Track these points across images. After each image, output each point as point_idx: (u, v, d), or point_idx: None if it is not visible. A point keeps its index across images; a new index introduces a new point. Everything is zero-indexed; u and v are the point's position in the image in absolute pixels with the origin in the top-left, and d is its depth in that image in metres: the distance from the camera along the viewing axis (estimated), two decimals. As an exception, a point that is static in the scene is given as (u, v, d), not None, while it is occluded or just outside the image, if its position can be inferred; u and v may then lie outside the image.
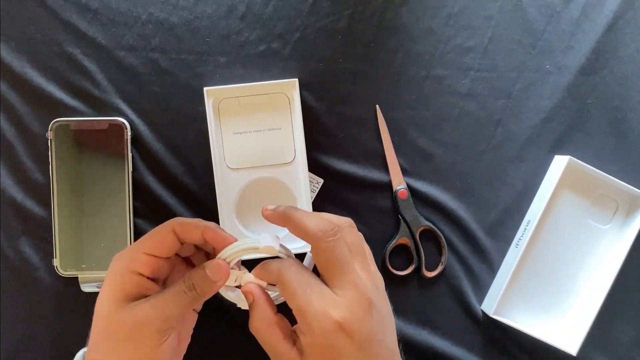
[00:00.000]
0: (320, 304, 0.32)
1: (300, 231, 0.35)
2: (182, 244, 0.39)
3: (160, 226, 0.38)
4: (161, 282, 0.40)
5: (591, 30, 0.54)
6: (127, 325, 0.34)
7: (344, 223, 0.36)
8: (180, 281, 0.37)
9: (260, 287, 0.37)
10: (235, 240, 0.39)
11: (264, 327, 0.35)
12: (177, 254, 0.41)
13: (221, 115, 0.52)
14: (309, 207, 0.51)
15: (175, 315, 0.36)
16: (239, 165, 0.52)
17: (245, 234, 0.52)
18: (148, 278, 0.37)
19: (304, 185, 0.51)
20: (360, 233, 0.38)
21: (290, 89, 0.51)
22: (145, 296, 0.37)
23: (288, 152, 0.52)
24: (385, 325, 0.35)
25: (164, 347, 0.35)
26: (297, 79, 0.51)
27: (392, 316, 0.37)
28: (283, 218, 0.37)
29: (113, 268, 0.37)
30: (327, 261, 0.34)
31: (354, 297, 0.33)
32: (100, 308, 0.37)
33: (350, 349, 0.32)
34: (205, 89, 0.50)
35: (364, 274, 0.35)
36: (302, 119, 0.51)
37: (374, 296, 0.34)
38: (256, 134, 0.52)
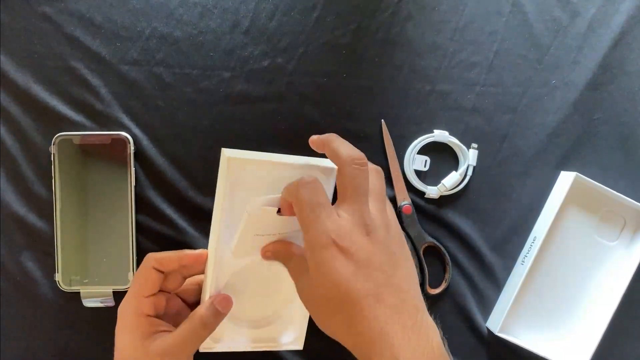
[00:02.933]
0: (322, 222, 0.34)
1: (333, 155, 0.37)
2: (164, 275, 0.43)
3: (140, 269, 0.43)
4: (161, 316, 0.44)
5: (598, 45, 0.54)
6: (155, 355, 0.39)
7: (376, 167, 0.39)
8: (193, 319, 0.41)
9: None
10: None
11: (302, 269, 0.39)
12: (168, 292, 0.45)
13: (237, 189, 0.40)
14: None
15: (195, 348, 0.41)
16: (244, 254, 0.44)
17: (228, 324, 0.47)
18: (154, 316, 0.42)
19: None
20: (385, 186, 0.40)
21: (327, 176, 0.43)
22: (159, 331, 0.41)
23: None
24: (396, 264, 0.35)
25: None
26: (335, 168, 0.39)
27: (413, 267, 0.37)
28: (323, 143, 0.39)
29: (125, 318, 0.42)
30: (344, 186, 0.35)
31: (354, 221, 0.34)
32: (123, 345, 0.41)
33: (348, 266, 0.33)
34: (227, 157, 0.39)
35: (376, 211, 0.36)
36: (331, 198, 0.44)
37: (377, 227, 0.35)
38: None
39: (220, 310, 0.41)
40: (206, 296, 0.43)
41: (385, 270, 0.34)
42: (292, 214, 0.37)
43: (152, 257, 0.42)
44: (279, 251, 0.42)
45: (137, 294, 0.41)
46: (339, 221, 0.34)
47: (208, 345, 0.46)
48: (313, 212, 0.34)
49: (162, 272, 0.42)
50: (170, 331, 0.41)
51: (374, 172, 0.38)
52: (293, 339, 0.50)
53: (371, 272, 0.33)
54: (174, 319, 0.43)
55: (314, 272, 0.34)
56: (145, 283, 0.42)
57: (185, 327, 0.41)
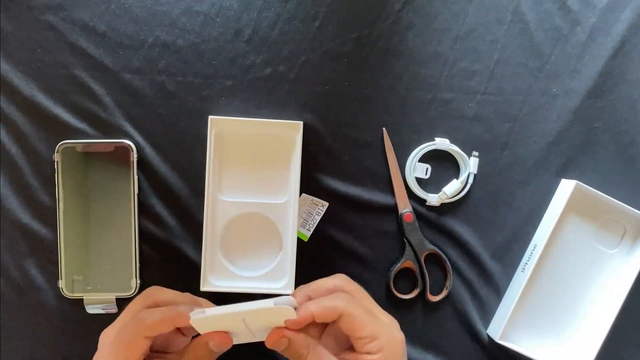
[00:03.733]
0: (385, 328, 0.39)
1: (328, 310, 0.38)
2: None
3: (130, 334, 0.38)
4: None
5: (598, 53, 0.54)
6: None
7: (341, 282, 0.42)
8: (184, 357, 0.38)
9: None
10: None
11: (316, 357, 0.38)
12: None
13: (222, 145, 0.51)
14: (293, 250, 0.50)
15: None
16: (231, 198, 0.51)
17: (224, 264, 0.51)
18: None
19: (292, 227, 0.51)
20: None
21: (294, 131, 0.51)
22: None
23: (282, 193, 0.52)
24: None
25: None
26: (301, 122, 0.51)
27: None
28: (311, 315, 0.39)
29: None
30: (360, 312, 0.38)
31: (396, 323, 0.41)
32: None
33: (405, 357, 0.39)
34: (210, 117, 0.50)
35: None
36: (300, 163, 0.50)
37: None
38: (254, 169, 0.52)
39: (216, 350, 0.39)
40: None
41: None
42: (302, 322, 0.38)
43: (143, 324, 0.38)
44: (300, 340, 0.38)
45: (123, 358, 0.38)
46: (392, 324, 0.40)
47: (208, 286, 0.50)
48: (374, 322, 0.38)
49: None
50: None
51: (348, 286, 0.42)
52: (284, 284, 0.51)
53: None
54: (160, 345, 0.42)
55: None
56: (130, 354, 0.37)
57: None
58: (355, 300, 0.39)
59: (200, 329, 0.38)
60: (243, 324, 0.38)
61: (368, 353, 0.37)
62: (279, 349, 0.38)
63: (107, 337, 0.40)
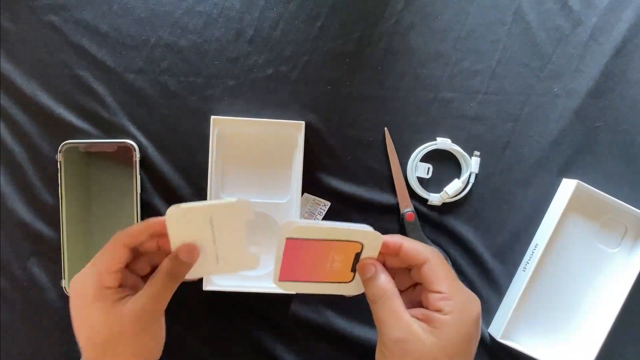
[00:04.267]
0: (465, 295, 0.36)
1: (412, 254, 0.37)
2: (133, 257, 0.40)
3: (109, 243, 0.39)
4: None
5: (600, 53, 0.54)
6: (129, 319, 0.37)
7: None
8: (159, 273, 0.38)
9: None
10: None
11: (393, 303, 0.36)
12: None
13: (224, 145, 0.52)
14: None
15: (166, 302, 0.39)
16: (233, 197, 0.49)
17: None
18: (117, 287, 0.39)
19: None
20: None
21: (296, 131, 0.51)
22: (125, 296, 0.38)
23: (284, 192, 0.52)
24: None
25: (163, 331, 0.40)
26: (303, 122, 0.51)
27: None
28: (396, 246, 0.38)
29: (85, 293, 0.38)
30: (439, 272, 0.36)
31: (478, 300, 0.37)
32: (91, 320, 0.38)
33: (475, 338, 0.35)
34: (212, 117, 0.51)
35: None
36: (302, 163, 0.51)
37: None
38: (256, 168, 0.53)
39: (185, 260, 0.38)
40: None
41: None
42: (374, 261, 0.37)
43: (122, 233, 0.39)
44: (385, 282, 0.37)
45: (101, 269, 0.38)
46: (473, 297, 0.36)
47: (211, 285, 0.51)
48: (455, 282, 0.36)
49: (131, 249, 0.39)
50: (134, 293, 0.38)
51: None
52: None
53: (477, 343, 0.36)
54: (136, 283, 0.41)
55: (452, 334, 0.34)
56: (111, 259, 0.38)
57: (153, 283, 0.38)
58: (444, 259, 0.37)
59: (172, 226, 0.38)
60: (211, 228, 0.38)
61: (439, 310, 0.34)
62: (364, 273, 0.37)
63: (74, 281, 0.39)
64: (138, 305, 0.37)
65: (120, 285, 0.39)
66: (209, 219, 0.38)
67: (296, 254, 0.37)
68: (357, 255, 0.37)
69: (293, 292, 0.38)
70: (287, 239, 0.36)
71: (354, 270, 0.38)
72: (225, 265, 0.41)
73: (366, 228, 0.36)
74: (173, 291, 0.39)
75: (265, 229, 0.52)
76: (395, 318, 0.35)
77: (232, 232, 0.39)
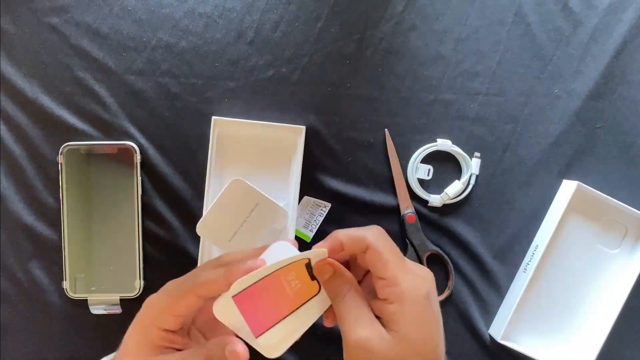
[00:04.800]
0: (410, 276, 0.34)
1: (359, 243, 0.35)
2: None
3: (183, 290, 0.35)
4: (187, 328, 0.39)
5: (600, 55, 0.54)
6: None
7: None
8: (199, 353, 0.35)
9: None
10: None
11: (354, 299, 0.34)
12: None
13: (224, 147, 0.52)
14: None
15: None
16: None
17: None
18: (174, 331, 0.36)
19: (290, 230, 0.51)
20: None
21: (296, 135, 0.52)
22: (170, 347, 0.36)
23: (282, 196, 0.52)
24: None
25: None
26: (304, 127, 0.51)
27: None
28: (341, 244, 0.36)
29: (142, 321, 0.36)
30: (388, 249, 0.35)
31: (428, 274, 0.35)
32: (128, 348, 0.36)
33: (432, 318, 0.34)
34: (213, 118, 0.51)
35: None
36: (301, 167, 0.51)
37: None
38: (255, 171, 0.53)
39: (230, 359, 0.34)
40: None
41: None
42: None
43: (196, 281, 0.34)
44: (345, 274, 0.35)
45: (164, 309, 0.35)
46: (422, 275, 0.35)
47: None
48: (398, 266, 0.34)
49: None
50: (180, 349, 0.36)
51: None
52: None
53: (441, 319, 0.35)
54: (204, 326, 0.39)
55: (407, 323, 0.33)
56: (177, 305, 0.35)
57: (189, 355, 0.35)
58: (387, 237, 0.36)
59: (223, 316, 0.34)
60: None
61: (386, 299, 0.33)
62: (322, 276, 0.35)
63: (149, 298, 0.36)
64: None
65: (184, 327, 0.37)
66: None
67: (252, 302, 0.34)
68: (309, 265, 0.35)
69: (281, 350, 0.36)
70: (233, 297, 0.34)
71: (314, 278, 0.36)
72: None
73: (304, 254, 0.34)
74: None
75: (261, 232, 0.52)
76: (358, 314, 0.34)
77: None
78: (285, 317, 0.35)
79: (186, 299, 0.35)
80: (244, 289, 0.34)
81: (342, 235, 0.35)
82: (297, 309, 0.36)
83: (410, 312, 0.33)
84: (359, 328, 0.33)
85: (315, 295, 0.36)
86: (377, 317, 0.34)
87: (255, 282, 0.34)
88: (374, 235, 0.35)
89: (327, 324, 0.37)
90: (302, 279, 0.36)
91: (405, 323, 0.33)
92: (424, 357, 0.33)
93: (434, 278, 0.36)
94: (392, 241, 0.36)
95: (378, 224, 0.53)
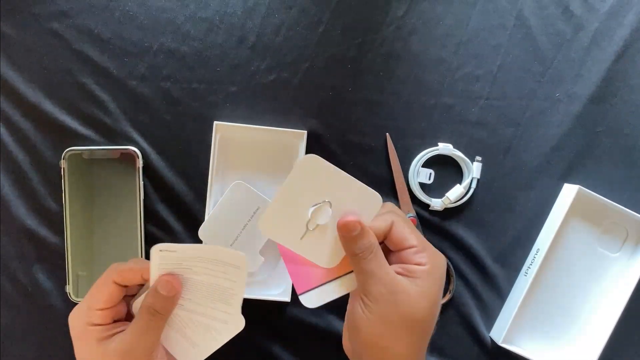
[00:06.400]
0: (430, 246, 0.38)
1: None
2: (126, 287, 0.40)
3: (100, 279, 0.39)
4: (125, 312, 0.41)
5: (601, 58, 0.54)
6: (114, 358, 0.37)
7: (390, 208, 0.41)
8: (141, 310, 0.38)
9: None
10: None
11: (389, 270, 0.36)
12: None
13: (226, 151, 0.52)
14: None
15: (155, 340, 0.38)
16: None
17: None
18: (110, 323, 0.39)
19: None
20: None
21: (297, 139, 0.52)
22: (115, 333, 0.38)
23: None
24: None
25: None
26: (305, 132, 0.52)
27: None
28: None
29: (75, 328, 0.38)
30: (408, 224, 0.38)
31: (438, 251, 0.38)
32: (80, 355, 0.38)
33: (442, 284, 0.37)
34: (215, 122, 0.51)
35: None
36: None
37: None
38: (257, 175, 0.53)
39: (166, 294, 0.38)
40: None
41: None
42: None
43: (114, 270, 0.39)
44: (371, 236, 0.37)
45: (90, 306, 0.38)
46: (436, 251, 0.38)
47: None
48: (421, 234, 0.38)
49: (124, 286, 0.39)
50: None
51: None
52: (281, 291, 0.52)
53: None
54: None
55: (427, 283, 0.36)
56: (100, 297, 0.38)
57: (136, 321, 0.38)
58: (403, 216, 0.39)
59: (156, 267, 0.38)
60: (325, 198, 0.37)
61: (418, 264, 0.36)
62: (349, 232, 0.36)
63: (70, 316, 0.39)
64: (123, 345, 0.37)
65: (115, 321, 0.39)
66: (197, 259, 0.38)
67: (297, 258, 0.37)
68: None
69: (319, 304, 0.38)
70: (280, 246, 0.36)
71: None
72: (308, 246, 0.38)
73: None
74: (160, 329, 0.38)
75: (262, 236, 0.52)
76: (384, 272, 0.36)
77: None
78: (325, 283, 0.38)
79: (105, 289, 0.38)
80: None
81: (373, 223, 0.37)
82: (337, 278, 0.38)
83: (435, 273, 0.36)
84: (385, 283, 0.35)
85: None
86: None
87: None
88: (392, 213, 0.38)
89: None
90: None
91: (430, 281, 0.36)
92: (421, 323, 0.36)
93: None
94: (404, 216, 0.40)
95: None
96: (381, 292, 0.35)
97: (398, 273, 0.36)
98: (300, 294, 0.38)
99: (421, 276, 0.35)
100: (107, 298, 0.38)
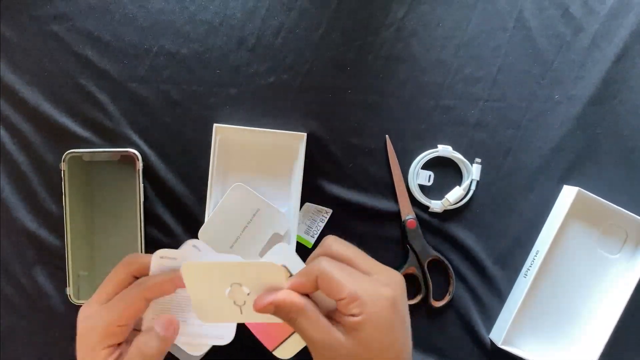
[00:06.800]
0: (370, 286, 0.34)
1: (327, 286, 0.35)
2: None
3: (128, 293, 0.38)
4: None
5: (601, 60, 0.54)
6: None
7: (327, 245, 0.38)
8: (133, 348, 0.37)
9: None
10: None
11: (321, 327, 0.35)
12: None
13: (226, 153, 0.52)
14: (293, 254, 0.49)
15: None
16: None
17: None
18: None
19: (292, 236, 0.52)
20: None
21: (297, 141, 0.52)
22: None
23: (284, 202, 0.53)
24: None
25: None
26: (305, 134, 0.52)
27: None
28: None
29: (85, 338, 0.37)
30: (338, 272, 0.35)
31: (395, 278, 0.35)
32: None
33: (397, 322, 0.34)
34: (215, 125, 0.51)
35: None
36: (302, 174, 0.51)
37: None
38: (257, 177, 0.53)
39: (162, 334, 0.37)
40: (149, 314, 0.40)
41: (408, 319, 0.36)
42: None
43: (143, 285, 0.37)
44: (287, 305, 0.35)
45: (113, 322, 0.37)
46: (384, 281, 0.35)
47: None
48: (354, 283, 0.34)
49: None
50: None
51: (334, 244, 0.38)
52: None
53: (407, 322, 0.35)
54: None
55: (370, 333, 0.33)
56: (127, 313, 0.37)
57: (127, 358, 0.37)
58: (334, 262, 0.35)
59: (189, 280, 0.37)
60: (230, 282, 0.37)
61: (352, 315, 0.33)
62: (265, 312, 0.36)
63: (84, 314, 0.38)
64: None
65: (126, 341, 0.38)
66: (234, 275, 0.37)
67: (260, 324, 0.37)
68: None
69: (294, 353, 0.38)
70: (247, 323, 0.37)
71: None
72: (251, 316, 0.38)
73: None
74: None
75: (264, 237, 0.52)
76: (318, 331, 0.34)
77: (261, 289, 0.38)
78: (292, 334, 0.38)
79: (135, 305, 0.37)
80: None
81: (293, 281, 0.36)
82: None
83: (373, 321, 0.33)
84: (320, 338, 0.34)
85: None
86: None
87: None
88: (321, 265, 0.35)
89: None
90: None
91: (368, 332, 0.33)
92: None
93: (402, 280, 0.36)
94: (347, 248, 0.37)
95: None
96: (318, 348, 0.34)
97: (337, 323, 0.34)
98: (273, 350, 0.38)
99: (356, 328, 0.33)
100: (134, 313, 0.37)
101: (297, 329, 0.35)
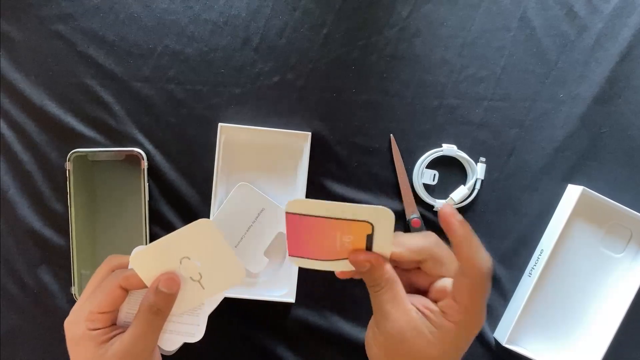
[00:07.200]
0: (475, 306, 0.33)
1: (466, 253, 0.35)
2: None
3: (105, 283, 0.39)
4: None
5: (605, 59, 0.54)
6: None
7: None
8: (142, 309, 0.38)
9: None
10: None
11: (404, 308, 0.34)
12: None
13: (231, 153, 0.52)
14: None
15: (154, 339, 0.39)
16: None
17: None
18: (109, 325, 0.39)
19: None
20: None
21: (302, 141, 0.52)
22: (114, 335, 0.38)
23: (287, 201, 0.52)
24: None
25: None
26: (310, 133, 0.52)
27: None
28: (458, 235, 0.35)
29: (73, 334, 0.39)
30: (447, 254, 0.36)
31: (480, 323, 0.35)
32: (77, 354, 0.39)
33: (461, 351, 0.35)
34: (219, 124, 0.51)
35: None
36: (307, 173, 0.52)
37: None
38: (261, 176, 0.53)
39: (167, 291, 0.39)
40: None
41: None
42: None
43: (119, 275, 0.39)
44: (384, 271, 0.35)
45: (92, 310, 0.38)
46: (484, 256, 0.34)
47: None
48: (468, 248, 0.33)
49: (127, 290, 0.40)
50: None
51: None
52: (285, 292, 0.52)
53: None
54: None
55: (471, 296, 0.32)
56: (104, 301, 0.38)
57: (137, 321, 0.38)
58: (444, 245, 0.36)
59: (141, 269, 0.39)
60: (178, 258, 0.39)
61: (444, 313, 0.33)
62: (357, 269, 0.36)
63: (72, 310, 0.40)
64: (123, 347, 0.37)
65: (113, 324, 0.39)
66: (177, 249, 0.39)
67: (299, 230, 0.36)
68: (370, 237, 0.35)
69: (304, 266, 0.38)
70: (287, 213, 0.35)
71: (369, 249, 0.36)
72: (213, 287, 0.41)
73: (377, 206, 0.34)
74: (159, 328, 0.39)
75: (269, 237, 0.52)
76: (399, 309, 0.34)
77: (207, 254, 0.40)
78: (319, 260, 0.37)
79: (113, 293, 0.39)
80: (299, 215, 0.35)
81: (408, 243, 0.36)
82: (334, 260, 0.37)
83: (463, 335, 0.33)
84: (400, 322, 0.33)
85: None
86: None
87: (311, 216, 0.35)
88: (436, 244, 0.36)
89: (339, 276, 0.38)
90: (356, 244, 0.36)
91: (453, 340, 0.33)
92: (461, 346, 0.34)
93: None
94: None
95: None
96: (393, 330, 0.33)
97: (419, 309, 0.34)
98: (291, 256, 0.38)
99: (442, 330, 0.33)
100: (112, 302, 0.39)
101: (378, 298, 0.35)
